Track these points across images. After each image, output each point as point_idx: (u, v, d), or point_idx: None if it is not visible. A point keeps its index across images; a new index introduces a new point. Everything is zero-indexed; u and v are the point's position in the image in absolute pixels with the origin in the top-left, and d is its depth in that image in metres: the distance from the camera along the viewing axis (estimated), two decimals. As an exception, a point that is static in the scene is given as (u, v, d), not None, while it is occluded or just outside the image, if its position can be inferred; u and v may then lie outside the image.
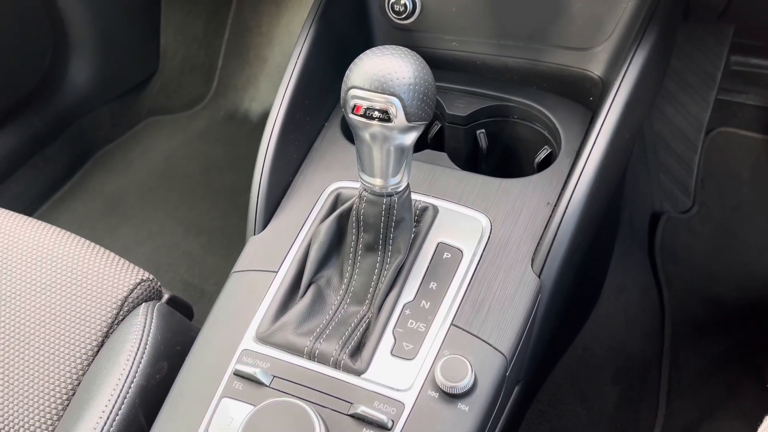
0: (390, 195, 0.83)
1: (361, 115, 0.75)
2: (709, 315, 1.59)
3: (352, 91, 0.75)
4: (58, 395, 0.96)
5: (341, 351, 0.83)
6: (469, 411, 0.79)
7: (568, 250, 0.92)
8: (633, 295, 1.60)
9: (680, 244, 1.69)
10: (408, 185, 0.85)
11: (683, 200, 1.77)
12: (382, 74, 0.73)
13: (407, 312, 0.86)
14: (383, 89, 0.73)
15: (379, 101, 0.74)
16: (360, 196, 0.85)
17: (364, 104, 0.75)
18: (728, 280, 1.64)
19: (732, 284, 1.63)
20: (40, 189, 1.98)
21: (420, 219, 0.93)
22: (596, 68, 1.06)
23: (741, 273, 1.64)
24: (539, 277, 0.89)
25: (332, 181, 1.00)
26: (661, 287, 1.63)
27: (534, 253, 0.91)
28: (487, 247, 0.91)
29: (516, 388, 0.93)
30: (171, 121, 2.17)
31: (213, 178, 2.02)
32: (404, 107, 0.74)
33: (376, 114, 0.75)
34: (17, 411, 0.96)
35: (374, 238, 0.87)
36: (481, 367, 0.82)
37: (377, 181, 0.82)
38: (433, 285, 0.88)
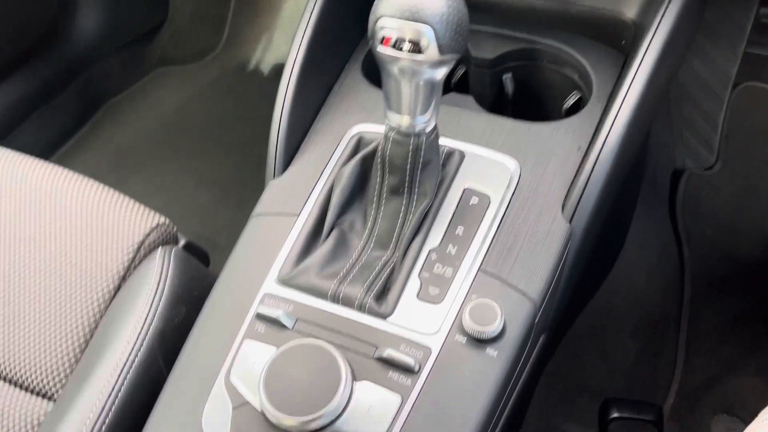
0: (418, 135, 0.80)
1: (391, 47, 0.72)
2: (729, 272, 1.57)
3: (382, 21, 0.71)
4: (75, 338, 0.95)
5: (366, 294, 0.81)
6: (498, 356, 0.77)
7: (600, 196, 0.89)
8: (654, 251, 1.58)
9: (703, 200, 1.66)
10: (436, 126, 0.82)
11: (707, 157, 1.73)
12: (414, 2, 0.69)
13: (433, 257, 0.83)
14: (415, 17, 0.69)
15: (410, 31, 0.70)
16: (386, 137, 0.82)
17: (395, 35, 0.71)
18: (750, 238, 1.61)
19: (754, 241, 1.60)
20: (49, 139, 1.94)
21: (446, 164, 0.90)
22: (629, 11, 1.02)
23: (763, 230, 1.61)
24: (570, 223, 0.87)
25: (353, 124, 0.97)
26: (681, 244, 1.60)
27: (564, 199, 0.88)
28: (516, 193, 0.88)
29: (541, 338, 0.91)
30: (181, 72, 2.12)
31: (224, 129, 1.98)
32: (437, 38, 0.70)
33: (407, 45, 0.71)
34: (34, 356, 0.95)
35: (400, 181, 0.84)
36: (510, 312, 0.79)
37: (405, 119, 0.79)
38: (459, 230, 0.85)
